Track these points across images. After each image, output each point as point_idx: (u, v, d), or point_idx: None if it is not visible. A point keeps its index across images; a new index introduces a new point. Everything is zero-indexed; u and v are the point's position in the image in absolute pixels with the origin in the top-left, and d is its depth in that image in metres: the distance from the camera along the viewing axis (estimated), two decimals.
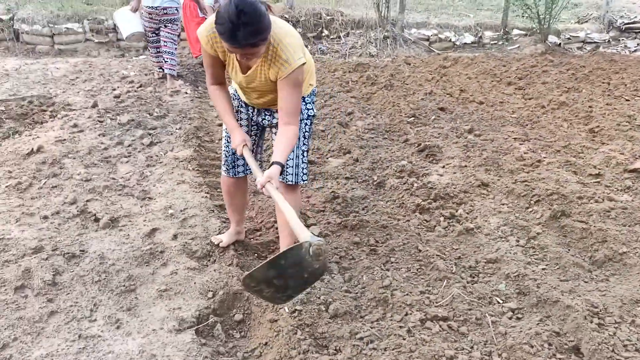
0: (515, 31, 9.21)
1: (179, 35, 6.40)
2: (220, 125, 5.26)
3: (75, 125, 4.84)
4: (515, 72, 7.09)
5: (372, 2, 8.43)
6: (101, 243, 3.11)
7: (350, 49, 8.19)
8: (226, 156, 2.97)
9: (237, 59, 2.47)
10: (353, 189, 3.92)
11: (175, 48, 6.36)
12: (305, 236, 2.12)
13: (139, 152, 4.48)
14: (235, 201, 3.14)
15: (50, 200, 3.60)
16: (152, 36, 6.33)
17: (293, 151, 2.75)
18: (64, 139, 4.54)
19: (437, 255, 3.10)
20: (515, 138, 4.92)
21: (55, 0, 8.73)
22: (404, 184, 3.99)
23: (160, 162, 4.30)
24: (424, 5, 10.64)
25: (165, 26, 6.18)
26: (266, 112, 2.84)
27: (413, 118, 5.38)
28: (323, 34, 8.48)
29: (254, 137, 2.93)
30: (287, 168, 2.79)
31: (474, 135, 4.98)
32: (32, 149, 4.30)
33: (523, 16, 8.98)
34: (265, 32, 2.21)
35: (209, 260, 3.01)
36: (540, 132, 5.13)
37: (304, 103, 2.75)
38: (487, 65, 7.32)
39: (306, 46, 8.17)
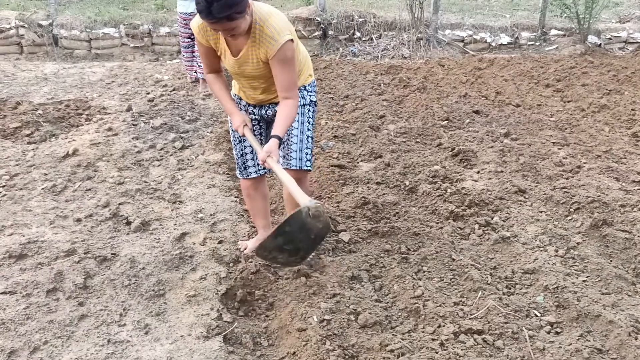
0: (553, 31, 8.94)
1: None
2: None
3: (110, 129, 4.91)
4: (554, 73, 6.88)
5: (405, 4, 8.32)
6: (132, 246, 3.12)
7: (382, 51, 8.10)
8: (237, 158, 3.04)
9: (226, 42, 2.57)
10: (384, 194, 3.85)
11: None
12: (304, 201, 2.41)
13: (171, 155, 4.51)
14: (256, 204, 3.15)
15: (84, 203, 3.65)
16: (187, 41, 6.38)
17: (297, 136, 2.81)
18: (99, 142, 4.61)
19: (471, 264, 3.00)
20: (553, 142, 4.76)
21: (92, 6, 8.93)
22: (437, 189, 3.89)
23: (192, 166, 4.32)
24: (458, 6, 10.45)
25: None
26: (268, 106, 2.89)
27: (447, 122, 5.26)
28: (355, 36, 8.41)
29: (259, 136, 2.96)
30: (290, 152, 2.83)
31: (511, 140, 4.84)
32: (68, 152, 4.38)
33: (561, 16, 8.71)
34: (239, 5, 2.27)
35: (236, 266, 2.98)
36: (580, 137, 4.95)
37: (306, 90, 2.83)
38: (524, 67, 7.13)
39: (338, 49, 8.21)
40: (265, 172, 3.08)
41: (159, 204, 3.68)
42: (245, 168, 3.04)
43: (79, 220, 3.41)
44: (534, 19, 9.15)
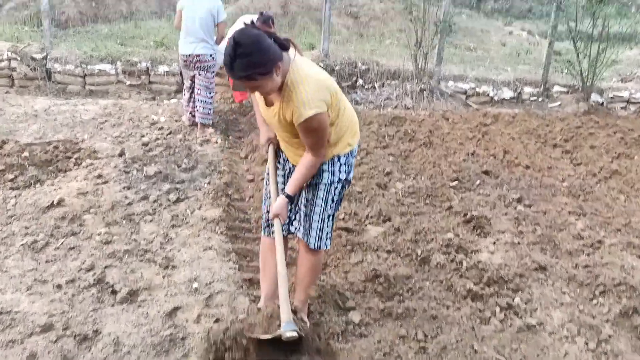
0: (556, 87, 8.87)
1: (212, 83, 6.16)
2: (251, 181, 4.99)
3: (99, 176, 4.60)
4: (560, 132, 6.72)
5: (409, 54, 8.21)
6: (117, 323, 2.78)
7: (385, 99, 7.93)
8: (263, 213, 2.93)
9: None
10: (395, 265, 3.56)
11: (211, 96, 6.13)
12: (284, 319, 2.19)
13: (165, 209, 4.20)
14: (269, 267, 2.84)
15: (66, 265, 3.31)
16: (187, 82, 6.18)
17: (319, 214, 2.67)
18: (87, 192, 4.29)
19: (496, 358, 2.70)
20: (569, 211, 4.53)
21: (90, 40, 8.71)
22: (452, 261, 3.62)
23: (187, 223, 4.01)
24: (459, 57, 10.40)
25: (199, 74, 5.99)
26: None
27: (456, 182, 5.02)
28: (358, 84, 8.26)
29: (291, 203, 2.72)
30: (310, 230, 2.69)
31: (524, 206, 4.60)
32: (53, 201, 4.05)
33: (564, 72, 8.65)
34: (261, 66, 2.19)
35: None
36: (595, 205, 4.73)
37: (339, 162, 2.63)
38: (530, 125, 6.97)
39: None
40: (288, 234, 2.88)
41: (149, 268, 3.35)
42: (268, 226, 2.89)
43: (59, 286, 3.07)
44: (536, 74, 9.08)
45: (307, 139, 2.44)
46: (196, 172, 4.99)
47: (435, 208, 4.56)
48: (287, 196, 2.53)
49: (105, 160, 5.02)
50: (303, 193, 2.69)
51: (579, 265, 3.65)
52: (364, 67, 8.30)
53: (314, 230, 2.69)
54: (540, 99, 8.65)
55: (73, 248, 3.51)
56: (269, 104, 2.52)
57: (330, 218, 2.74)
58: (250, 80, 2.24)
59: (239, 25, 6.49)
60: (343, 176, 2.66)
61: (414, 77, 8.11)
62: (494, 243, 3.96)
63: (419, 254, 3.71)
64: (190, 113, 6.26)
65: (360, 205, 4.48)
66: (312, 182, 2.64)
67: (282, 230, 2.69)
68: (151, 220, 4.00)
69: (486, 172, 5.35)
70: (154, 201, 4.29)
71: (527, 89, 8.66)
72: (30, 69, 7.52)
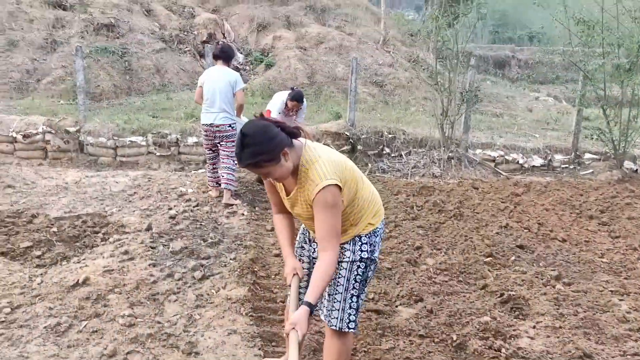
0: (587, 155, 8.73)
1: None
2: (277, 256, 4.89)
3: (126, 252, 4.56)
4: (595, 202, 6.52)
5: (435, 122, 8.22)
6: None
7: (412, 168, 7.88)
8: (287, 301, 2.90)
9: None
10: (430, 352, 3.36)
11: (235, 164, 6.20)
12: None
13: (189, 287, 4.11)
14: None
15: (88, 350, 3.21)
16: (210, 153, 6.32)
17: (341, 293, 2.63)
18: (113, 269, 4.24)
19: None
20: (611, 291, 4.29)
21: (122, 112, 8.98)
22: (490, 348, 3.41)
23: (211, 303, 3.90)
24: (486, 124, 10.39)
25: (221, 143, 6.16)
26: None
27: (490, 258, 4.84)
28: (384, 152, 8.25)
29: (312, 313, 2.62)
30: (332, 311, 2.64)
31: (563, 284, 4.38)
32: (78, 280, 3.99)
33: (594, 139, 8.51)
34: (266, 154, 2.31)
35: None
36: (639, 284, 4.47)
37: (360, 242, 2.61)
38: (563, 194, 6.79)
39: (367, 164, 8.00)
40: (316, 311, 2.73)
41: (171, 354, 3.23)
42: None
43: None
44: (566, 141, 8.97)
45: (321, 221, 2.42)
46: (222, 247, 4.93)
47: (469, 286, 4.37)
48: (309, 305, 2.36)
49: (132, 235, 5.00)
50: None
51: (626, 353, 3.39)
52: (390, 136, 8.32)
53: (337, 311, 2.63)
54: (572, 167, 8.49)
55: (96, 331, 3.42)
56: (288, 192, 2.57)
57: (355, 299, 2.65)
58: (257, 167, 2.36)
59: (275, 100, 6.71)
60: (365, 255, 2.62)
61: (441, 145, 8.07)
62: (534, 327, 3.73)
63: (455, 339, 3.51)
64: (216, 182, 6.32)
65: (390, 283, 4.32)
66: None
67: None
68: (175, 300, 3.90)
69: (521, 247, 5.16)
70: (179, 279, 4.21)
71: (558, 157, 8.54)
72: (64, 142, 7.74)
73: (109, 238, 4.93)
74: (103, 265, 4.29)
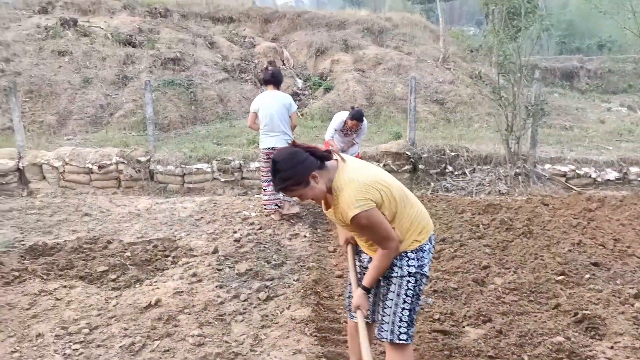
0: None
1: None
2: (340, 277, 4.88)
3: (194, 274, 4.71)
4: None
5: (500, 138, 8.01)
6: None
7: (477, 186, 7.69)
8: (347, 298, 3.11)
9: None
10: None
11: None
12: None
13: (255, 307, 4.18)
14: (355, 345, 2.97)
15: None
16: (269, 176, 6.42)
17: (390, 307, 2.73)
18: (182, 291, 4.38)
19: None
20: None
21: (188, 141, 9.35)
22: None
23: (276, 323, 3.93)
24: (555, 137, 10.02)
25: None
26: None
27: (562, 276, 4.61)
28: (447, 171, 8.11)
29: (371, 296, 2.90)
30: (382, 324, 2.76)
31: None
32: (150, 302, 4.16)
33: None
34: (294, 178, 2.50)
35: None
36: None
37: (407, 258, 2.70)
38: None
39: (429, 183, 7.89)
40: (373, 322, 2.96)
41: None
42: (350, 310, 3.05)
43: None
44: None
45: (367, 235, 2.68)
46: (285, 269, 4.98)
47: (540, 306, 4.18)
48: (364, 288, 2.73)
49: (200, 258, 5.16)
50: (381, 288, 2.80)
51: None
52: (452, 154, 8.17)
53: (387, 324, 2.74)
54: None
55: (168, 350, 3.53)
56: (327, 207, 2.75)
57: (407, 312, 2.73)
58: (289, 190, 2.56)
59: (335, 120, 6.81)
60: (413, 270, 2.69)
61: (507, 162, 7.84)
62: (612, 347, 3.52)
63: None
64: (277, 205, 6.46)
65: (456, 304, 4.21)
66: (386, 275, 2.74)
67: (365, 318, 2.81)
68: (242, 320, 3.97)
69: (596, 264, 4.89)
70: (245, 300, 4.29)
71: (634, 169, 8.08)
72: (135, 171, 8.12)
73: (178, 261, 5.10)
74: (173, 287, 4.45)
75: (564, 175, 7.99)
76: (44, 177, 8.17)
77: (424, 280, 2.75)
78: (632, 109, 14.50)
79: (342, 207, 2.52)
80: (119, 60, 12.68)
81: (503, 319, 3.91)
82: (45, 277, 4.72)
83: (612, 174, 7.98)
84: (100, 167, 8.06)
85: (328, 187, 2.59)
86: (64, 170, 8.08)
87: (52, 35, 12.92)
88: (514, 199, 7.23)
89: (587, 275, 4.63)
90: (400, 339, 2.71)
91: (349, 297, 3.01)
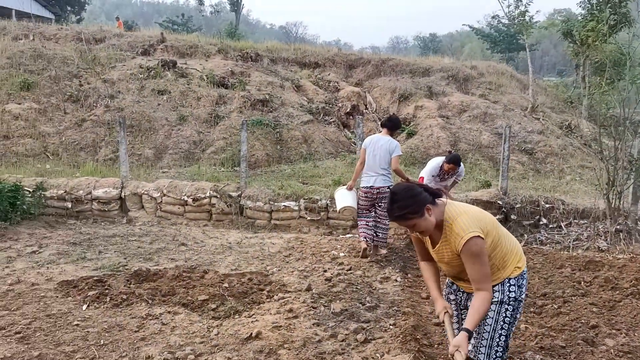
0: None
1: None
2: (437, 325, 4.76)
3: (290, 310, 4.75)
4: None
5: (598, 192, 7.68)
6: None
7: (574, 241, 7.35)
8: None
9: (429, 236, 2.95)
10: None
11: (388, 224, 6.72)
12: None
13: (353, 349, 4.14)
14: None
15: None
16: (365, 212, 6.71)
17: (489, 332, 2.91)
18: (280, 326, 4.42)
19: None
20: None
21: (275, 179, 9.60)
22: None
23: None
24: None
25: (379, 204, 6.57)
26: (468, 293, 3.07)
27: None
28: (541, 223, 7.83)
29: (459, 323, 3.13)
30: (480, 347, 2.92)
31: None
32: (251, 334, 4.23)
33: None
34: (411, 207, 2.72)
35: None
36: None
37: (509, 284, 2.90)
38: None
39: (522, 235, 7.64)
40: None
41: None
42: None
43: None
44: None
45: (471, 268, 2.76)
46: (379, 312, 4.93)
47: None
48: (467, 331, 2.74)
49: (294, 294, 5.21)
50: None
51: None
52: (547, 206, 7.90)
53: (484, 347, 2.91)
54: None
55: None
56: (433, 244, 2.93)
57: (504, 338, 2.91)
58: (405, 219, 2.77)
59: (429, 165, 7.01)
60: (513, 295, 2.90)
61: (607, 217, 7.47)
62: None
63: None
64: (365, 238, 6.61)
65: None
66: None
67: None
68: None
69: None
70: (342, 340, 4.27)
71: None
72: (227, 205, 8.41)
73: (273, 296, 5.17)
74: (272, 322, 4.50)
75: None
76: (143, 207, 8.63)
77: (519, 307, 2.95)
78: None
79: (456, 233, 2.75)
80: (212, 100, 13.37)
81: None
82: (150, 301, 4.92)
83: None
84: (194, 200, 8.42)
85: (438, 222, 2.81)
86: (162, 201, 8.50)
87: (153, 76, 13.86)
88: (615, 256, 6.84)
89: None
90: None
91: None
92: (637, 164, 7.40)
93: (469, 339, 2.75)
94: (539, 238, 7.50)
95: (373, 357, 4.03)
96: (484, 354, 2.91)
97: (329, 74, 16.57)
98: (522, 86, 15.60)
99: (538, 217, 7.81)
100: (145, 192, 8.50)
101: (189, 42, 17.04)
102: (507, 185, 8.06)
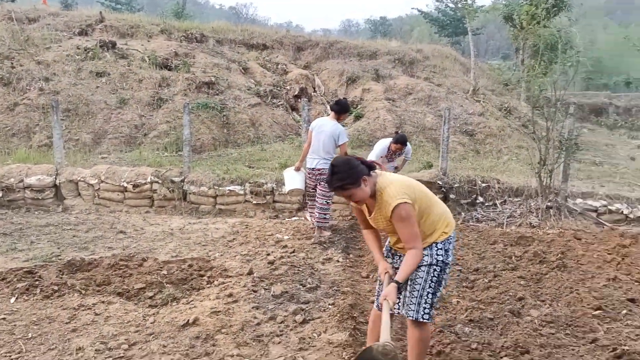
0: None
1: (329, 192, 6.66)
2: (374, 303, 4.89)
3: (230, 295, 4.76)
4: None
5: (531, 170, 8.00)
6: None
7: (508, 218, 7.66)
8: (376, 297, 3.57)
9: (365, 205, 3.24)
10: None
11: (327, 204, 6.83)
12: (382, 338, 2.83)
13: (291, 330, 4.21)
14: (375, 331, 3.36)
15: None
16: (311, 191, 7.00)
17: (418, 290, 3.20)
18: (219, 311, 4.43)
19: None
20: None
21: (221, 163, 9.51)
22: None
23: (313, 346, 3.95)
24: (585, 173, 9.96)
25: (320, 184, 6.74)
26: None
27: (599, 311, 4.56)
28: (477, 201, 8.10)
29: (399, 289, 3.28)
30: (410, 305, 3.22)
31: None
32: (188, 320, 4.22)
33: None
34: (349, 179, 3.00)
35: None
36: None
37: (436, 248, 3.21)
38: None
39: (460, 213, 7.89)
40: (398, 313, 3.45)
41: None
42: (377, 301, 3.47)
43: None
44: None
45: (401, 231, 3.07)
46: (320, 292, 5.01)
47: (577, 340, 4.13)
48: (396, 282, 3.08)
49: (235, 279, 5.22)
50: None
51: None
52: (484, 185, 8.18)
53: (413, 305, 3.21)
54: None
55: None
56: (370, 212, 3.24)
57: (431, 296, 3.21)
58: (343, 190, 3.03)
59: (377, 146, 7.25)
60: (440, 258, 3.21)
61: (539, 195, 7.81)
62: None
63: None
64: (311, 215, 6.96)
65: (493, 334, 4.18)
66: None
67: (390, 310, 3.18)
68: (279, 342, 4.00)
69: (632, 300, 4.82)
70: (281, 322, 4.32)
71: None
72: (169, 191, 8.29)
73: (213, 281, 5.17)
74: (210, 307, 4.50)
75: (596, 211, 7.91)
76: (79, 194, 8.39)
77: (446, 269, 3.25)
78: None
79: (386, 201, 3.05)
80: (154, 82, 13.03)
81: (541, 351, 3.88)
82: (83, 292, 4.82)
83: None
84: (135, 186, 8.24)
85: (372, 191, 3.10)
86: (99, 188, 8.29)
87: (91, 57, 13.36)
88: (545, 232, 7.18)
89: (624, 311, 4.57)
90: (423, 318, 3.20)
91: (378, 295, 3.45)
92: (567, 144, 7.74)
93: (398, 290, 3.09)
94: (475, 216, 7.77)
95: (310, 337, 4.10)
96: (414, 310, 3.20)
97: (277, 56, 16.42)
98: (465, 69, 15.96)
99: (475, 196, 8.09)
100: (82, 179, 8.26)
101: (130, 22, 16.47)
102: (447, 165, 8.28)
